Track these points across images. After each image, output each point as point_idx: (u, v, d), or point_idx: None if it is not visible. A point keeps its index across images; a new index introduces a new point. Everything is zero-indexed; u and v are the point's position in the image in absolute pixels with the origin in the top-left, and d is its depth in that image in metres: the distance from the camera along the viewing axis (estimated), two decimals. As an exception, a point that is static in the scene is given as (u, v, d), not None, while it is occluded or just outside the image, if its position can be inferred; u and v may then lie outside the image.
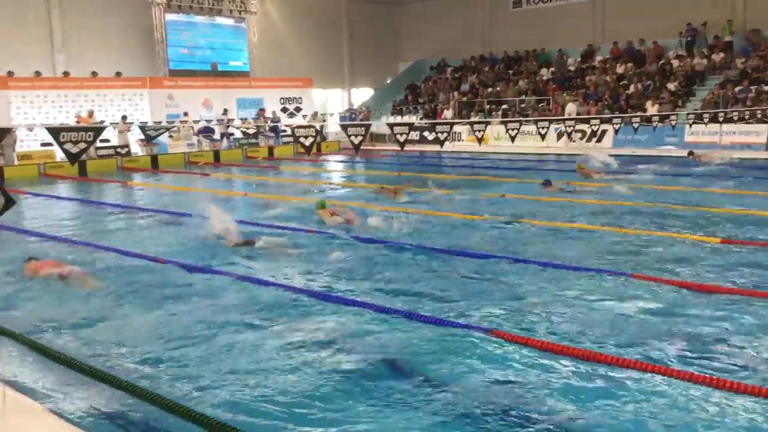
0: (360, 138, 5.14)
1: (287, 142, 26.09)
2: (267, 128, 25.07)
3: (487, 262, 7.81)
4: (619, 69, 26.87)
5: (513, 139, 6.88)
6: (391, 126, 5.53)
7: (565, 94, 26.55)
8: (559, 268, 7.47)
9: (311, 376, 4.83)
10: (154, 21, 25.47)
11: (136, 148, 22.64)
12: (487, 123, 6.58)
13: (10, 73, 21.56)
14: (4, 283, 7.43)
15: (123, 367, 5.09)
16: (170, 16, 25.78)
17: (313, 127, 5.04)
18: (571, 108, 24.87)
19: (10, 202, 3.43)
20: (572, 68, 28.87)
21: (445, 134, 5.90)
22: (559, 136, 22.99)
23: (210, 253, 8.80)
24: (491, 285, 7.02)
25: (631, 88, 25.20)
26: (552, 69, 29.16)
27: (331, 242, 9.14)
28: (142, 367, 5.10)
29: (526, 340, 5.32)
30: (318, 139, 26.35)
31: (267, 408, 4.33)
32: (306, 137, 5.03)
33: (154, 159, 22.01)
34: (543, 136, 7.66)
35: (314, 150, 25.33)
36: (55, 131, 3.68)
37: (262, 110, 26.63)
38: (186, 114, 24.41)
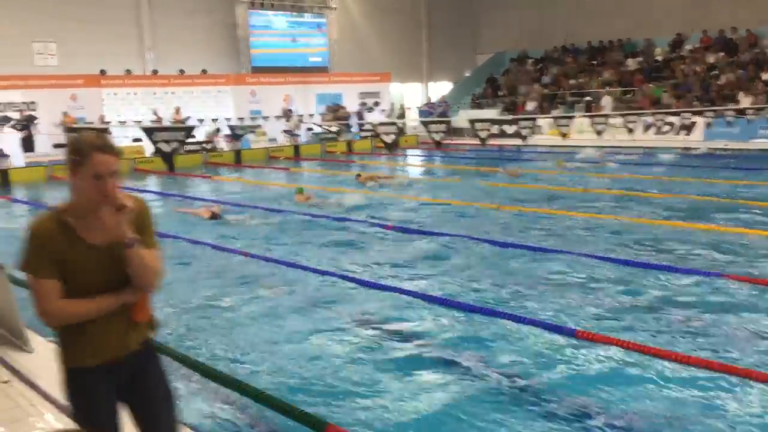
0: (441, 134, 5.06)
1: (365, 137, 26.23)
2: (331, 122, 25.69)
3: (554, 257, 7.64)
4: (710, 59, 25.67)
5: (599, 133, 6.61)
6: (472, 122, 5.43)
7: (652, 85, 25.59)
8: (636, 266, 7.21)
9: (397, 374, 4.84)
10: (238, 19, 26.09)
11: (221, 144, 23.27)
12: (570, 117, 6.25)
13: (103, 72, 22.54)
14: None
15: (218, 359, 5.23)
16: (253, 14, 26.36)
17: (395, 123, 5.00)
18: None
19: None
20: (660, 58, 27.78)
21: (528, 129, 5.75)
22: (646, 128, 22.20)
23: (298, 242, 9.00)
24: (566, 283, 6.84)
25: (723, 79, 24.04)
26: (639, 59, 28.15)
27: (388, 236, 9.17)
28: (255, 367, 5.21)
29: (614, 341, 5.16)
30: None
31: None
32: (388, 134, 4.99)
33: (238, 154, 22.55)
34: (630, 130, 7.31)
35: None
36: (148, 131, 3.79)
37: (336, 106, 26.84)
38: (290, 111, 25.03)
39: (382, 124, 4.86)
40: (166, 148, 3.44)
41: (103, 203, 2.45)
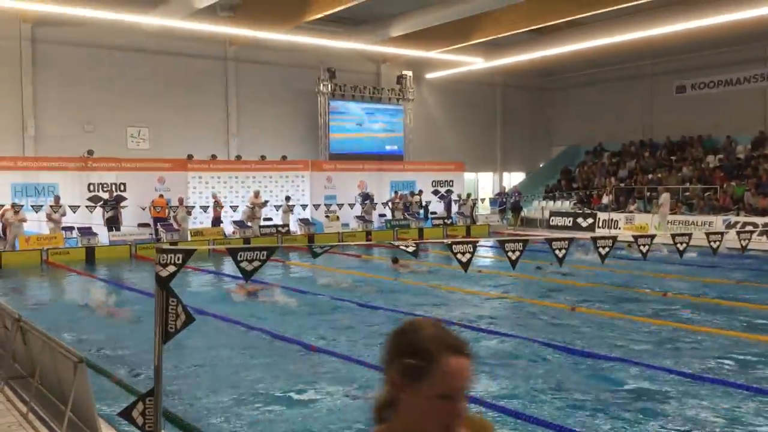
0: (518, 253, 5.07)
1: (437, 225, 26.38)
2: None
3: (630, 369, 7.30)
4: (796, 158, 24.89)
5: (682, 253, 6.40)
6: (549, 241, 5.42)
7: (733, 183, 24.93)
8: (724, 385, 6.78)
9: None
10: (319, 108, 27.18)
11: (295, 227, 23.84)
12: (651, 236, 5.98)
13: (190, 156, 23.72)
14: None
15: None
16: (333, 103, 27.42)
17: (472, 242, 5.04)
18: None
19: (189, 319, 3.69)
20: (742, 156, 27.13)
21: (607, 248, 5.68)
22: (728, 227, 21.46)
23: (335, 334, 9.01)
24: (643, 399, 6.51)
25: (811, 179, 23.20)
26: (719, 156, 27.57)
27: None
28: None
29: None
30: (468, 222, 26.54)
31: None
32: (463, 254, 5.03)
33: (311, 238, 23.01)
34: (714, 251, 6.97)
35: (463, 234, 25.45)
36: (233, 251, 3.96)
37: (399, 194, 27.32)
38: (372, 197, 25.90)
39: (456, 242, 4.86)
40: (248, 267, 3.57)
41: None
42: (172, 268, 3.73)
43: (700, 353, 8.32)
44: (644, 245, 5.85)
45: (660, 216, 23.47)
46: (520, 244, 5.33)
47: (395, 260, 16.34)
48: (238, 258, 3.97)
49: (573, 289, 13.36)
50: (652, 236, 6.04)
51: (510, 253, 5.28)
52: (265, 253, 4.04)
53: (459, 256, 5.12)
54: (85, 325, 10.32)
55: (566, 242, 5.44)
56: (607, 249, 5.70)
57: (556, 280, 14.43)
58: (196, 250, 3.92)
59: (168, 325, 3.70)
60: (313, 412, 6.36)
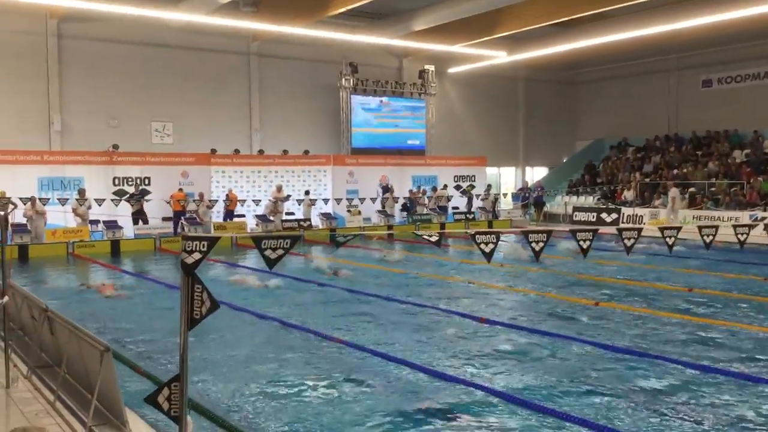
0: (542, 244, 5.04)
1: (459, 219, 26.31)
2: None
3: (653, 364, 7.21)
4: (826, 152, 24.43)
5: (708, 246, 6.30)
6: (574, 232, 5.38)
7: (760, 179, 24.53)
8: (745, 379, 6.68)
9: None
10: (341, 103, 27.23)
11: (317, 221, 23.91)
12: (678, 228, 5.88)
13: (213, 151, 23.89)
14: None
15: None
16: (355, 98, 27.45)
17: (494, 233, 5.02)
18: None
19: (214, 306, 3.71)
20: (769, 150, 26.71)
21: (633, 240, 5.63)
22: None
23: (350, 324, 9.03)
24: (663, 395, 6.42)
25: (842, 174, 22.77)
26: (746, 151, 27.15)
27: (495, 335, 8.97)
28: None
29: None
30: (491, 217, 26.44)
31: None
32: (486, 244, 5.02)
33: (332, 233, 23.05)
34: (742, 244, 6.82)
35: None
36: (257, 239, 3.98)
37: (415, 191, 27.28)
38: (391, 188, 25.97)
39: (479, 233, 4.89)
40: (272, 255, 3.60)
41: None
42: (197, 255, 3.76)
43: (726, 349, 8.22)
44: (670, 237, 5.79)
45: (672, 211, 23.22)
46: (544, 235, 5.30)
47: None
48: (262, 246, 3.99)
49: (595, 283, 13.28)
50: (678, 228, 5.97)
51: (533, 245, 5.25)
52: (288, 241, 4.06)
53: (482, 246, 5.10)
54: (109, 314, 10.44)
55: (590, 234, 5.39)
56: (632, 241, 5.64)
57: (577, 274, 14.34)
58: (220, 237, 3.95)
59: (193, 311, 3.74)
60: (334, 404, 6.38)
